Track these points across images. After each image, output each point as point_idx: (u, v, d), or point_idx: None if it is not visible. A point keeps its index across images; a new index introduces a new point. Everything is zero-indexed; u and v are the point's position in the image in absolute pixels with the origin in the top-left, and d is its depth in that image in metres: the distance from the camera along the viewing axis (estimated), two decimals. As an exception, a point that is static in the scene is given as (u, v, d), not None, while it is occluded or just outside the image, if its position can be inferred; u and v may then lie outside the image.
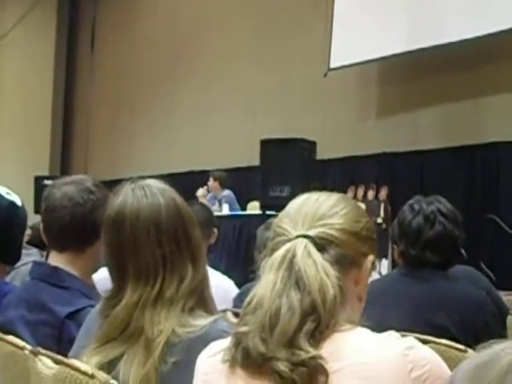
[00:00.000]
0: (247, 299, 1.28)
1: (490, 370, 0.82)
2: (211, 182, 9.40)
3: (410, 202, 2.59)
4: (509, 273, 7.73)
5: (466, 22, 9.09)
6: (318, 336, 1.21)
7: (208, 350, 1.35)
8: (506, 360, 0.82)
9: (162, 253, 1.59)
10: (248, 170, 11.19)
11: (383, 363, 1.20)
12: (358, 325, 1.28)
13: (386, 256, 9.04)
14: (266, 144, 9.53)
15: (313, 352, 1.19)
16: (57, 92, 15.39)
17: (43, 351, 1.63)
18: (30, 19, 14.59)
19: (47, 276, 2.07)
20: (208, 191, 9.51)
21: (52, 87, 15.20)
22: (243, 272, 6.57)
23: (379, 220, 9.82)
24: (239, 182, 10.51)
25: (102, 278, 1.91)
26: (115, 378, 1.48)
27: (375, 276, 2.43)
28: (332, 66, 10.68)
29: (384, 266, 9.16)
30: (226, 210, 9.11)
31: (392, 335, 1.26)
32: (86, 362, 1.53)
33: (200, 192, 9.39)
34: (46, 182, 9.67)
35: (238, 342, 1.25)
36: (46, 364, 1.59)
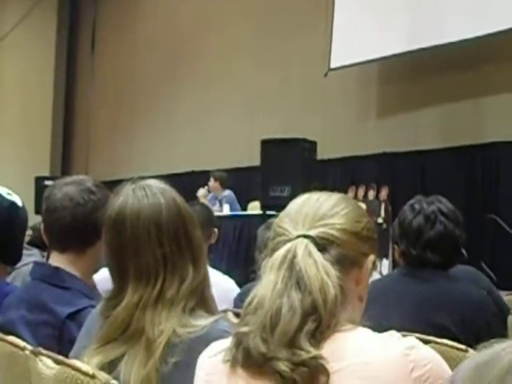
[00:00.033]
0: (248, 299, 1.28)
1: (490, 369, 0.82)
2: (212, 183, 9.39)
3: (411, 201, 2.59)
4: (509, 272, 7.73)
5: (465, 22, 9.09)
6: (318, 336, 1.21)
7: (209, 350, 1.35)
8: (506, 359, 0.82)
9: (162, 253, 1.58)
10: (248, 170, 11.18)
11: (384, 363, 1.19)
12: (358, 325, 1.27)
13: (386, 256, 9.04)
14: (266, 144, 9.51)
15: (314, 352, 1.19)
16: (57, 93, 15.39)
17: (44, 351, 1.63)
18: (30, 20, 14.58)
19: (48, 276, 2.07)
20: (208, 191, 9.51)
21: (52, 88, 15.20)
22: (244, 272, 6.58)
23: (380, 220, 9.82)
24: (240, 182, 10.50)
25: (102, 278, 1.91)
26: (116, 378, 1.48)
27: (376, 276, 2.43)
28: (332, 65, 10.68)
29: (385, 265, 9.16)
30: (226, 210, 9.11)
31: (393, 335, 1.26)
32: (87, 362, 1.53)
33: (200, 192, 9.40)
34: (47, 182, 9.67)
35: (239, 342, 1.24)
36: (46, 364, 1.59)
